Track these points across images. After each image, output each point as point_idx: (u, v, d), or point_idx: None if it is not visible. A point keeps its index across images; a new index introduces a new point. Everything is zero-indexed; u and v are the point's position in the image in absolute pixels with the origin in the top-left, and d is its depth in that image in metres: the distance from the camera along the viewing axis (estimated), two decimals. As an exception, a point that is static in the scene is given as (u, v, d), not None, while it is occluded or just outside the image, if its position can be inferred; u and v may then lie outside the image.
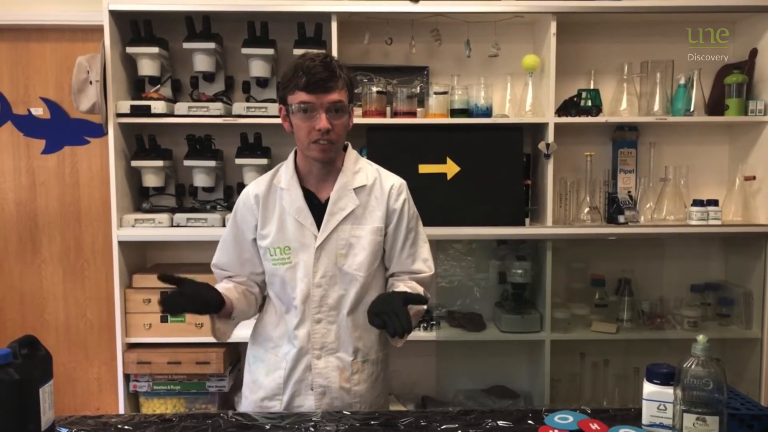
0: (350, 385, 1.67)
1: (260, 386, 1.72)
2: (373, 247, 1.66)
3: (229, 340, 2.70)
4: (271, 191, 1.69)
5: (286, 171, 1.69)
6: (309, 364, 1.67)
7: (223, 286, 1.70)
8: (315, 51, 1.63)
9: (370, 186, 1.68)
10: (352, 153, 1.72)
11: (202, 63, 2.68)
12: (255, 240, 1.70)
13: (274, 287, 1.71)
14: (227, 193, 2.86)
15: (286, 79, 1.58)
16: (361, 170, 1.69)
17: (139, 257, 2.89)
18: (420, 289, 1.68)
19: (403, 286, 1.65)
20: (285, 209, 1.66)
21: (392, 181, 1.71)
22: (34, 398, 1.24)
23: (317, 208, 1.66)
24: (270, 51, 2.65)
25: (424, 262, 1.73)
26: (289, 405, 1.68)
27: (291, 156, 1.71)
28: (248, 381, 1.77)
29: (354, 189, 1.66)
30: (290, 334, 1.68)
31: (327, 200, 1.65)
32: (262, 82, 2.77)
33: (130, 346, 2.67)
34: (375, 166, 1.75)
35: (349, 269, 1.65)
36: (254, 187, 1.72)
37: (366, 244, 1.65)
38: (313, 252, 1.63)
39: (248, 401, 1.75)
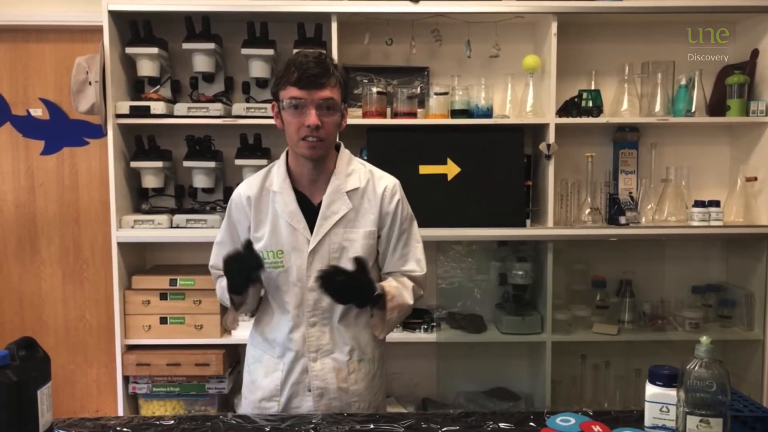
0: (348, 385, 1.67)
1: (258, 387, 1.71)
2: (366, 250, 1.65)
3: (229, 342, 2.72)
4: (263, 193, 1.67)
5: (278, 173, 1.67)
6: (306, 367, 1.66)
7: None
8: (310, 50, 1.63)
9: (363, 188, 1.66)
10: (344, 154, 1.70)
11: (201, 63, 2.67)
12: None
13: (269, 290, 1.70)
14: (227, 194, 2.85)
15: (279, 76, 1.58)
16: (353, 172, 1.68)
17: (139, 258, 2.88)
18: (409, 285, 1.69)
19: (392, 280, 1.68)
20: (278, 213, 1.65)
21: (385, 182, 1.69)
22: (32, 400, 1.23)
23: (310, 211, 1.64)
24: (270, 51, 2.65)
25: (417, 263, 1.71)
26: (287, 406, 1.68)
27: (283, 157, 1.69)
28: (247, 381, 1.77)
29: (347, 192, 1.65)
30: (285, 338, 1.67)
31: (320, 203, 1.64)
32: (262, 83, 2.77)
33: (130, 348, 2.66)
34: (368, 166, 1.72)
35: None
36: (246, 188, 1.70)
37: (359, 247, 1.64)
38: (306, 256, 1.62)
39: (247, 402, 1.75)
